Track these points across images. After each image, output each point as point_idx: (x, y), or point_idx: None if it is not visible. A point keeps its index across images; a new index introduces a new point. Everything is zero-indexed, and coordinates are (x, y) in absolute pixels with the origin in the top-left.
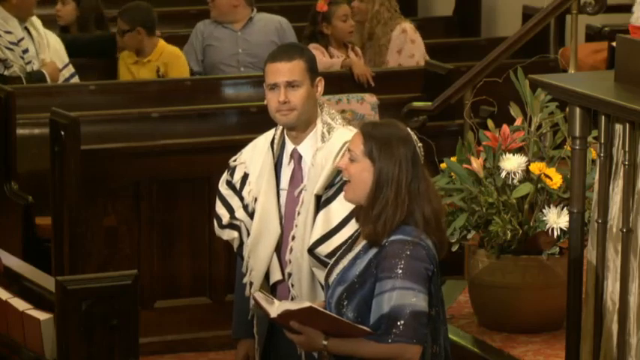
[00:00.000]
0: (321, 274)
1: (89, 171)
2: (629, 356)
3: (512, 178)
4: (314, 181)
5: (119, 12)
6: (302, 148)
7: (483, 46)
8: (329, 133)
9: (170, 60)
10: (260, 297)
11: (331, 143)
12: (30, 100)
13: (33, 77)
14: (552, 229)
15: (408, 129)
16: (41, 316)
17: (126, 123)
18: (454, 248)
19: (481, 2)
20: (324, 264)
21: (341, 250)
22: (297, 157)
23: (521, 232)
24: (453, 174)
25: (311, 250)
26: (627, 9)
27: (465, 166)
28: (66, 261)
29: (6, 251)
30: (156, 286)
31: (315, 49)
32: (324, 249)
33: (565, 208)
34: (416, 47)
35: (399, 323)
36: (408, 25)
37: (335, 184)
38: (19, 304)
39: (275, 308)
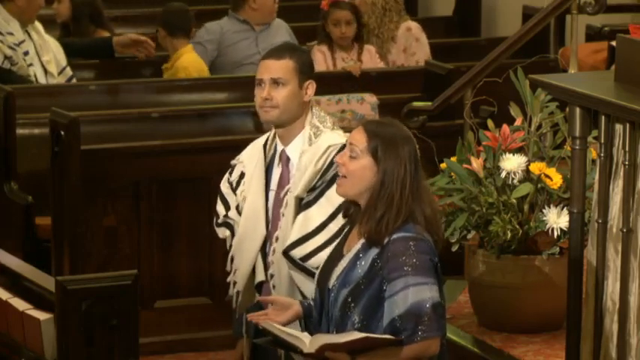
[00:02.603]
0: (298, 277)
1: (89, 171)
2: (629, 356)
3: (512, 178)
4: (298, 184)
5: None
6: (290, 150)
7: (483, 46)
8: (315, 136)
9: (182, 71)
10: (283, 333)
11: (317, 146)
12: (30, 100)
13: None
14: (552, 229)
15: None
16: (41, 316)
17: (126, 123)
18: (454, 248)
19: (481, 2)
20: (298, 267)
21: (331, 252)
22: (285, 159)
23: (521, 232)
24: (453, 174)
25: (286, 252)
26: (627, 9)
27: (465, 166)
28: (66, 261)
29: (6, 251)
30: (156, 286)
31: (319, 51)
32: (299, 252)
33: (565, 208)
34: (419, 46)
35: (423, 319)
36: (413, 24)
37: (317, 188)
38: (19, 304)
39: (308, 343)
